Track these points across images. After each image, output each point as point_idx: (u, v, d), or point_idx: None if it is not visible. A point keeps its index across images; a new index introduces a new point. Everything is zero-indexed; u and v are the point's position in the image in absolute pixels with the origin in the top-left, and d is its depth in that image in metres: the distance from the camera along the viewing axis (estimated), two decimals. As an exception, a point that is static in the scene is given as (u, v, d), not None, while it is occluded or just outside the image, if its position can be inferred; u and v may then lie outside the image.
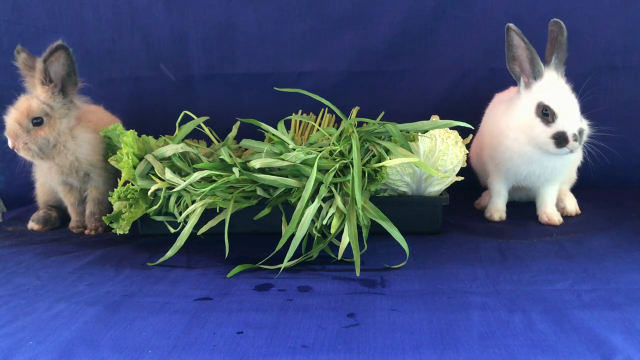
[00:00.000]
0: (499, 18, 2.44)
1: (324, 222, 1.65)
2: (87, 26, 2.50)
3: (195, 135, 2.10)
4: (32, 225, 2.13)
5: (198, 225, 1.71)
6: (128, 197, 1.78)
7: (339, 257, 1.60)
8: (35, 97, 1.90)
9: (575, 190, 2.22)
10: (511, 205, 2.15)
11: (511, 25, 1.88)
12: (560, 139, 1.83)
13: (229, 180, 1.73)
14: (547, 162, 1.94)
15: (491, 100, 2.25)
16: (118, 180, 1.83)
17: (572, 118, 1.84)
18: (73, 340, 1.22)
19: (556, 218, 2.02)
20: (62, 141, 1.93)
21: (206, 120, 2.01)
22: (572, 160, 2.02)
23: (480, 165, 2.24)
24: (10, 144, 1.89)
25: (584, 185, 2.24)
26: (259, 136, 1.98)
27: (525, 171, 1.99)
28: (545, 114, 1.85)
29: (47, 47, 1.87)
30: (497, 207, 2.09)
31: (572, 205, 2.14)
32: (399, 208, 1.86)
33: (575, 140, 1.82)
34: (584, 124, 1.88)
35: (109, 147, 1.99)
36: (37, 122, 1.88)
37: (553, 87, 1.89)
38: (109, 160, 1.88)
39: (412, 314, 1.31)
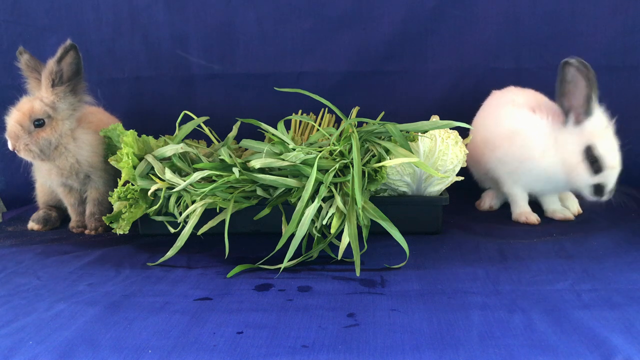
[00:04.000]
0: (499, 18, 2.44)
1: (324, 222, 1.65)
2: (87, 26, 2.50)
3: (195, 135, 2.10)
4: (32, 225, 2.13)
5: (198, 225, 1.71)
6: (128, 197, 1.78)
7: (339, 257, 1.60)
8: (38, 98, 1.90)
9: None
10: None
11: (572, 60, 1.82)
12: (599, 191, 1.87)
13: (229, 180, 1.73)
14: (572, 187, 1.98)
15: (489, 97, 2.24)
16: (118, 180, 1.83)
17: (616, 172, 1.86)
18: (73, 340, 1.22)
19: (569, 213, 2.07)
20: (63, 143, 1.93)
21: (206, 120, 2.01)
22: None
23: (476, 165, 2.22)
24: (10, 145, 1.88)
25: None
26: (259, 136, 1.98)
27: (539, 188, 2.03)
28: (593, 162, 1.86)
29: (50, 47, 1.87)
30: (527, 210, 2.06)
31: (574, 205, 2.15)
32: (399, 208, 1.86)
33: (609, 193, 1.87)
34: None
35: (109, 147, 1.98)
36: (39, 123, 1.88)
37: (606, 132, 1.87)
38: (109, 160, 1.88)
39: (412, 314, 1.31)
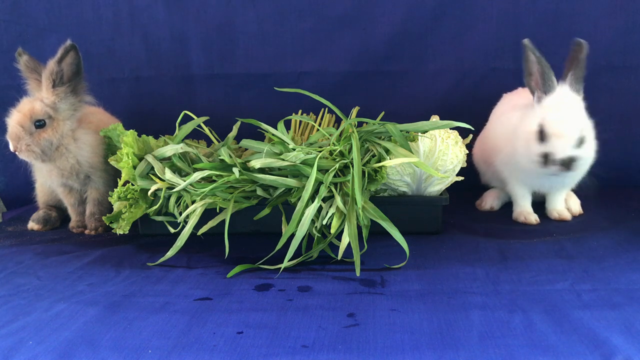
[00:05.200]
0: (499, 18, 2.44)
1: (324, 222, 1.65)
2: (87, 26, 2.50)
3: (195, 135, 2.10)
4: (32, 225, 2.13)
5: (198, 225, 1.71)
6: (128, 197, 1.78)
7: (339, 257, 1.60)
8: (38, 99, 1.90)
9: (575, 189, 2.22)
10: (511, 205, 2.15)
11: (526, 41, 1.85)
12: (545, 160, 1.81)
13: (229, 180, 1.73)
14: (555, 177, 1.92)
15: (498, 99, 2.24)
16: (118, 180, 1.83)
17: (564, 142, 1.79)
18: (73, 340, 1.22)
19: (567, 214, 2.05)
20: (64, 143, 1.93)
21: (206, 120, 2.01)
22: (580, 173, 1.96)
23: (485, 165, 2.23)
24: (11, 146, 1.88)
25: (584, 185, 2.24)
26: (259, 136, 1.98)
27: (537, 184, 2.01)
28: (541, 131, 1.83)
29: (50, 47, 1.86)
30: (528, 210, 2.06)
31: (575, 205, 2.15)
32: (399, 208, 1.86)
33: (563, 165, 1.79)
34: (583, 151, 1.82)
35: (109, 147, 1.98)
36: (40, 124, 1.88)
37: (559, 105, 1.85)
38: (109, 160, 1.88)
39: (412, 314, 1.31)
